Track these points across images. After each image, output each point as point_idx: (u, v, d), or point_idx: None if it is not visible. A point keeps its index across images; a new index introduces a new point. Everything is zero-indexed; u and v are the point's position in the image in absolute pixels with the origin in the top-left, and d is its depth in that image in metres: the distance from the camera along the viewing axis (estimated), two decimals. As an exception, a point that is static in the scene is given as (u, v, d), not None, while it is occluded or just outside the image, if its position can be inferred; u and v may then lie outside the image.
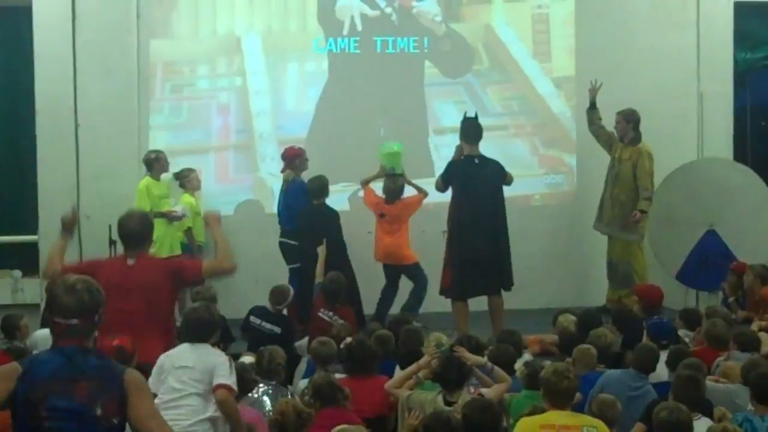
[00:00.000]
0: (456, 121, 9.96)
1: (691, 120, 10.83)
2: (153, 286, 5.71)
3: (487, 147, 9.83)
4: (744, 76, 11.32)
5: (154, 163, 9.31)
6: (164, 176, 9.28)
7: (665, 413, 5.06)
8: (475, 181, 8.63)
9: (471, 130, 8.66)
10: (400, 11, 10.73)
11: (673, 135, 10.15)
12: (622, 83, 10.27)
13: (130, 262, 5.96)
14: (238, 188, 10.44)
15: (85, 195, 9.51)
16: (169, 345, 5.47)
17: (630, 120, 9.44)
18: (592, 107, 9.47)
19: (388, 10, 10.72)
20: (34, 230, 9.43)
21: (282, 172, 9.32)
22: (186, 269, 6.14)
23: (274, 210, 9.89)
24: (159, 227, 8.03)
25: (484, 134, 9.57)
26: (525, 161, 10.52)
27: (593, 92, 9.46)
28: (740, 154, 10.65)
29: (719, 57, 10.95)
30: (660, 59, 10.69)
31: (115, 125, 10.31)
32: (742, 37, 11.15)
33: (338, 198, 9.68)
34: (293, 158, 9.00)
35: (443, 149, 10.36)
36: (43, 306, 6.85)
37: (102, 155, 10.05)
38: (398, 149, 9.32)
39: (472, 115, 8.82)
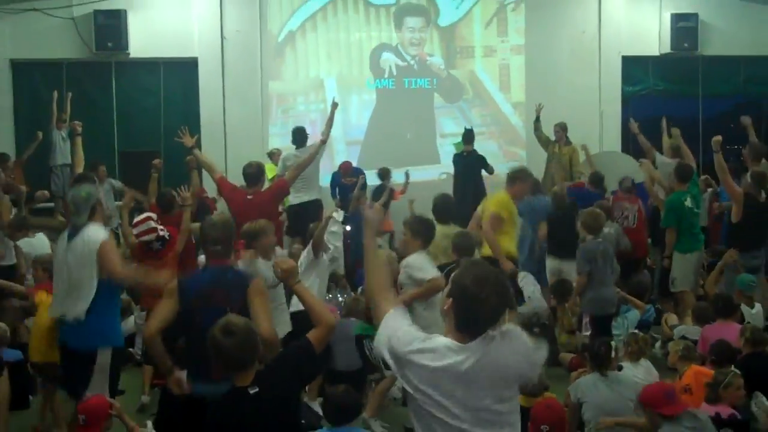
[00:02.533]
0: (453, 130, 12.86)
1: (595, 128, 13.43)
2: (265, 214, 6.19)
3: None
4: (627, 101, 13.97)
5: (273, 156, 11.61)
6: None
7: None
8: (461, 167, 10.88)
9: (464, 135, 11.06)
10: (419, 63, 13.58)
11: (585, 137, 11.87)
12: (554, 105, 12.18)
13: (249, 197, 6.77)
14: (322, 169, 10.57)
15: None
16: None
17: (564, 129, 11.31)
18: (537, 120, 11.31)
19: (412, 62, 13.58)
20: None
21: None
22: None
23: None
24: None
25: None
26: (495, 154, 12.75)
27: (538, 110, 11.28)
28: (626, 149, 13.00)
29: (613, 89, 13.79)
30: (577, 90, 13.48)
31: (248, 134, 12.79)
32: (626, 77, 13.96)
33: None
34: None
35: (445, 147, 13.03)
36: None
37: (241, 153, 11.40)
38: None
39: (469, 128, 11.22)
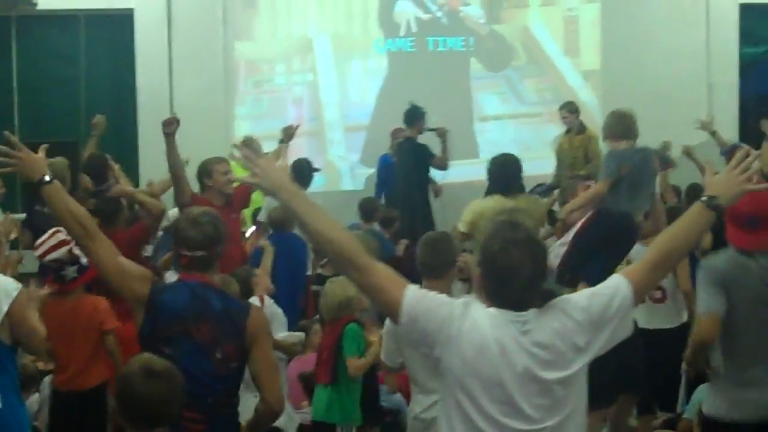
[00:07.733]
0: (498, 110, 11.11)
1: (701, 108, 10.65)
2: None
3: (523, 130, 10.94)
4: (748, 69, 11.44)
5: (250, 146, 10.02)
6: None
7: None
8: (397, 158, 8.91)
9: (406, 115, 8.86)
10: (449, 14, 11.03)
11: (686, 121, 9.97)
12: (642, 76, 10.71)
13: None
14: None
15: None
16: None
17: (575, 111, 9.70)
18: None
19: (439, 13, 10.99)
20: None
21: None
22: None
23: (342, 188, 10.49)
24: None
25: (522, 119, 10.86)
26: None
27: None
28: (745, 138, 10.51)
29: (726, 52, 11.21)
30: (674, 54, 10.94)
31: (205, 116, 10.42)
32: (746, 34, 11.35)
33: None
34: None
35: (487, 134, 10.97)
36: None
37: (194, 142, 9.66)
38: None
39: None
